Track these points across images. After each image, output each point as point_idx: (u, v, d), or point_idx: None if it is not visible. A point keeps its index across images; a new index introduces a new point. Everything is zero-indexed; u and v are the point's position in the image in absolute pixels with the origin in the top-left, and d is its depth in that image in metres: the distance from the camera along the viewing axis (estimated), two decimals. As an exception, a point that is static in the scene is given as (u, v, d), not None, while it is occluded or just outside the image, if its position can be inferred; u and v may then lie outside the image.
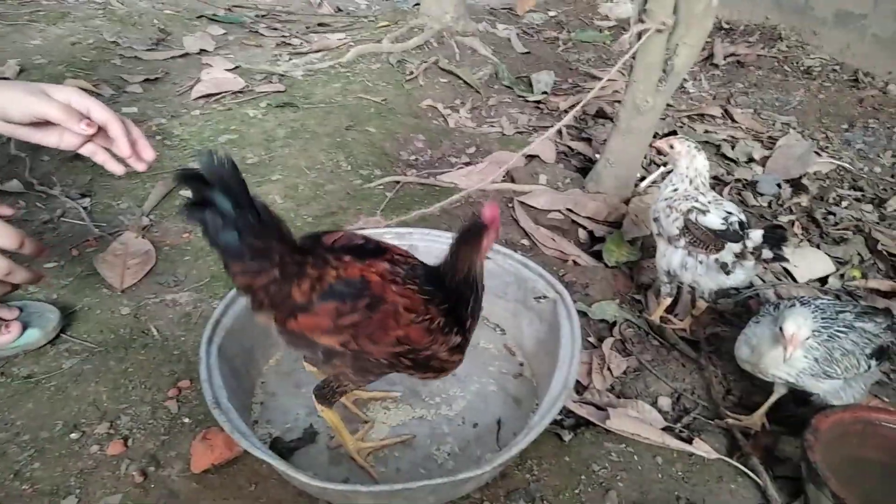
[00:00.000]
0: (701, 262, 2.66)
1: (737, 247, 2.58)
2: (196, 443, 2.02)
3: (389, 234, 2.68)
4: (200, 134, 3.80)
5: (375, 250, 1.83)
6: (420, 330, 1.77)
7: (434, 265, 1.90)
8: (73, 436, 2.08)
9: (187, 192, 1.56)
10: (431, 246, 2.67)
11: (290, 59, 5.03)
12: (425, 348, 1.80)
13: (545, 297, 2.39)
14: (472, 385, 2.41)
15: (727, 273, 2.63)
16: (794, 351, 2.12)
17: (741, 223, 2.59)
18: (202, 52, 5.02)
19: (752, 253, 2.56)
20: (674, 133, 2.79)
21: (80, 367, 2.31)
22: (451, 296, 1.83)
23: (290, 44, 5.42)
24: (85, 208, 3.09)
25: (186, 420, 2.16)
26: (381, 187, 3.49)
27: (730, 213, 2.59)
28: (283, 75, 4.66)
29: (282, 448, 2.08)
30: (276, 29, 5.92)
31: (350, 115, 4.17)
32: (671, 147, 2.72)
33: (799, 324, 2.12)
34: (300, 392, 2.32)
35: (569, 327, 2.26)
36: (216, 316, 2.17)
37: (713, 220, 2.58)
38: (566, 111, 4.85)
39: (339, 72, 4.85)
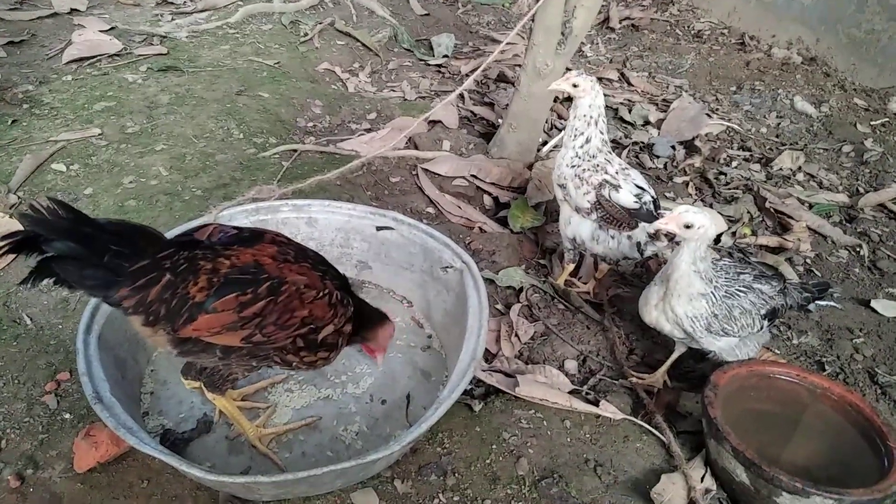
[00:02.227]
0: (613, 237, 2.67)
1: (651, 226, 2.59)
2: (79, 440, 1.86)
3: (287, 207, 2.56)
4: (73, 101, 3.49)
5: (253, 237, 1.77)
6: (323, 305, 1.76)
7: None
8: (-66, 442, 1.87)
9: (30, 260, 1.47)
10: (332, 218, 2.57)
11: (173, 20, 4.69)
12: (327, 323, 1.78)
13: (452, 267, 2.35)
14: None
15: (640, 252, 2.65)
16: (670, 225, 2.12)
17: (654, 201, 2.60)
18: (73, 11, 4.61)
19: (665, 234, 2.56)
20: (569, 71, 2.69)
21: (-60, 364, 2.08)
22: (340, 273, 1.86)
23: (172, 2, 5.05)
24: (-60, 186, 2.78)
25: (67, 416, 1.99)
26: (277, 156, 3.32)
27: (641, 188, 2.59)
28: (164, 37, 4.34)
29: (175, 440, 1.96)
30: (156, -13, 5.50)
31: (241, 80, 3.94)
32: (574, 86, 2.59)
33: (689, 209, 2.13)
34: (194, 379, 2.19)
35: (476, 297, 2.23)
36: (93, 304, 2.00)
37: (626, 198, 2.56)
38: (468, 75, 4.79)
39: (228, 33, 4.58)
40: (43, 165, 2.98)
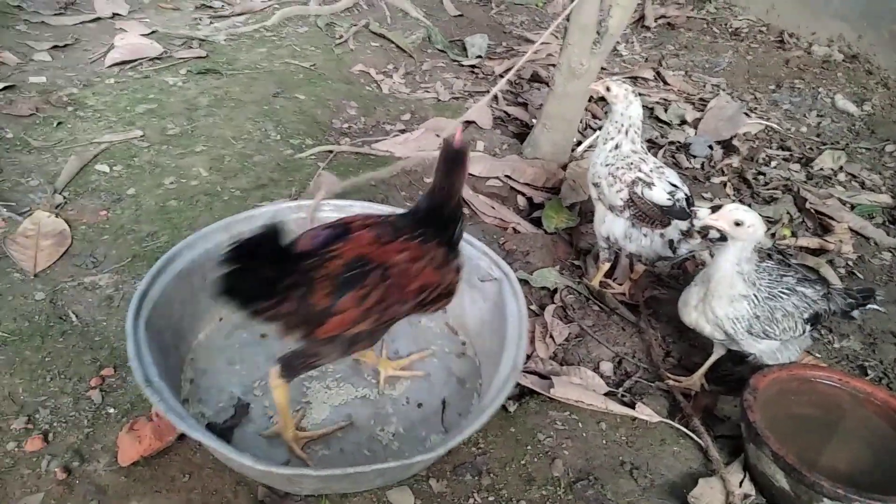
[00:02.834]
0: (645, 236, 2.65)
1: (684, 224, 2.57)
2: (123, 434, 1.90)
3: (329, 207, 2.58)
4: (116, 104, 3.58)
5: (345, 229, 1.84)
6: (431, 272, 1.85)
7: (406, 210, 1.97)
8: (-14, 434, 1.94)
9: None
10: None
11: (212, 23, 4.77)
12: (440, 283, 1.88)
13: (492, 277, 2.35)
14: (414, 365, 2.36)
15: (673, 250, 2.63)
16: (719, 222, 2.10)
17: (688, 199, 2.58)
18: (115, 16, 4.70)
19: (699, 232, 2.54)
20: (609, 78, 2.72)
21: (-8, 359, 2.15)
22: (441, 225, 1.91)
23: (210, 6, 5.14)
24: (-10, 187, 2.87)
25: (111, 410, 2.04)
26: (314, 157, 3.36)
27: (675, 186, 2.58)
28: (203, 40, 4.42)
29: (218, 430, 1.99)
30: (195, -9, 5.60)
31: (277, 82, 4.00)
32: (607, 89, 2.63)
33: (739, 206, 2.12)
34: (233, 369, 2.24)
35: (515, 307, 2.24)
36: (143, 288, 2.05)
37: (660, 195, 2.55)
38: (501, 75, 4.79)
39: (265, 36, 4.64)
40: (87, 166, 3.06)
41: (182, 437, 1.94)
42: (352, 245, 1.77)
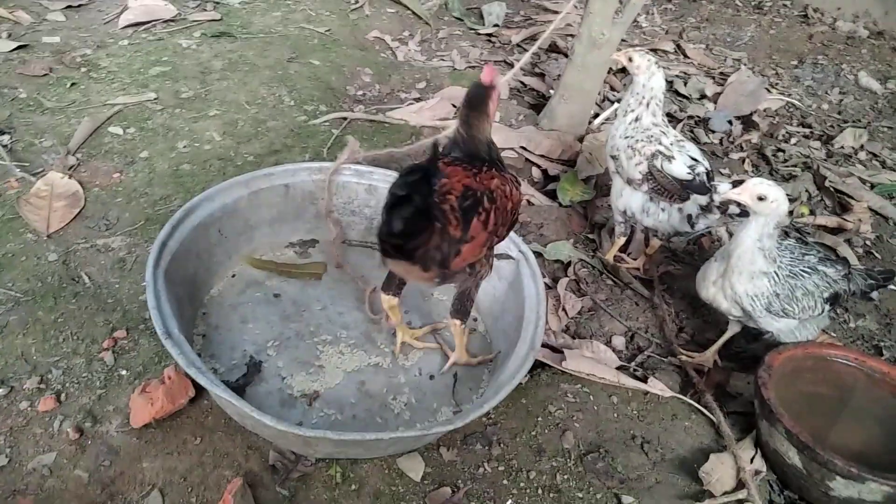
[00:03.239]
0: (663, 210, 2.62)
1: (703, 199, 2.54)
2: (135, 396, 1.90)
3: (349, 171, 2.59)
4: (130, 66, 3.54)
5: (434, 167, 1.82)
6: (517, 191, 2.01)
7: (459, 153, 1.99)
8: (0, 391, 1.94)
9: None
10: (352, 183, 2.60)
11: (226, -14, 4.70)
12: (521, 200, 2.04)
13: (510, 256, 2.33)
14: (427, 337, 2.35)
15: (691, 225, 2.60)
16: (743, 196, 2.08)
17: (708, 173, 2.54)
18: (129, -24, 4.64)
19: (718, 207, 2.51)
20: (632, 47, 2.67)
21: (6, 318, 2.15)
22: (488, 159, 1.98)
23: (225, -31, 5.07)
24: (4, 146, 2.85)
25: (124, 372, 2.04)
26: (328, 124, 3.32)
27: (695, 160, 2.53)
28: (218, 3, 4.36)
29: (231, 388, 1.98)
30: (209, -47, 5.52)
31: (292, 47, 3.94)
32: (630, 60, 2.58)
33: (763, 181, 2.10)
34: (246, 327, 2.24)
35: (534, 288, 2.24)
36: (162, 237, 2.06)
37: (679, 169, 2.51)
38: (519, 45, 4.71)
39: (280, 0, 4.57)
40: (100, 128, 3.04)
41: (193, 400, 1.95)
42: (455, 178, 1.83)
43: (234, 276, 2.43)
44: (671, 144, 2.56)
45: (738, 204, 2.15)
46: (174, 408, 1.90)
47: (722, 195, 2.30)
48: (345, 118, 3.39)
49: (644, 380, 2.29)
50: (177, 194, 2.72)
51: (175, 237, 2.11)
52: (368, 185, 2.60)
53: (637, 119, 2.59)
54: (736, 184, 2.37)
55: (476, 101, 1.95)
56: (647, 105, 2.57)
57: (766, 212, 2.06)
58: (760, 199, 2.05)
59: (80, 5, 4.13)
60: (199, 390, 1.96)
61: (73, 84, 3.30)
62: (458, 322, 2.10)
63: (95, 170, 2.82)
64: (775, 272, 2.16)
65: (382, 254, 1.77)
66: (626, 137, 2.61)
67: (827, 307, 2.25)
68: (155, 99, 3.29)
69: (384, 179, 2.59)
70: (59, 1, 4.11)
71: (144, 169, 2.84)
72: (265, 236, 2.54)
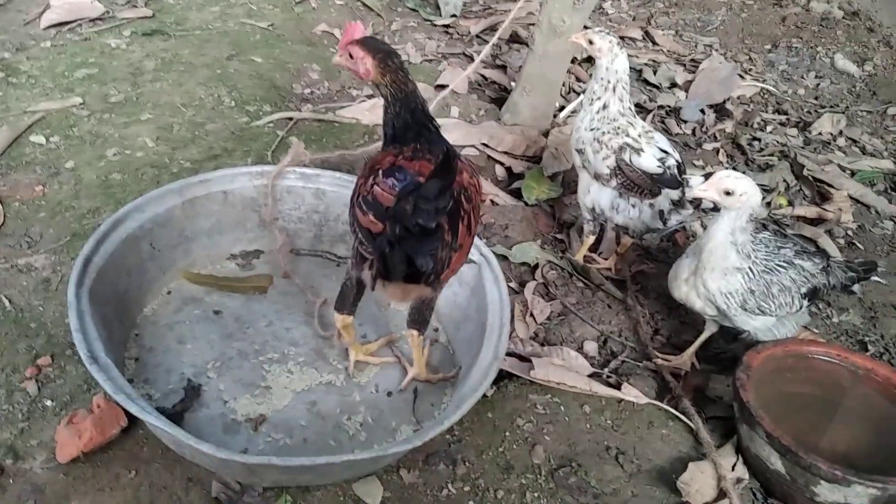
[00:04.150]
0: (634, 206, 2.63)
1: (675, 193, 2.56)
2: (61, 428, 1.85)
3: (294, 175, 2.58)
4: (53, 69, 3.47)
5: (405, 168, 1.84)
6: (481, 179, 2.03)
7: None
8: None
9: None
10: (341, 192, 2.58)
11: (159, -20, 4.65)
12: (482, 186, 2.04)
13: (471, 260, 2.33)
14: (383, 350, 2.34)
15: (663, 221, 2.62)
16: (709, 191, 2.10)
17: (679, 166, 2.56)
18: (51, -28, 4.57)
19: (690, 201, 2.53)
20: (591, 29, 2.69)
21: (-86, 349, 2.09)
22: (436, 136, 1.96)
23: (158, -38, 5.01)
24: (-89, 160, 2.78)
25: (49, 403, 1.99)
26: (272, 125, 3.29)
27: (666, 152, 2.56)
28: (150, -2, 4.31)
29: (167, 415, 1.93)
30: (140, -55, 5.46)
31: (232, 44, 3.90)
32: (590, 42, 2.58)
33: (730, 173, 2.12)
34: (183, 348, 2.21)
35: (497, 293, 2.24)
36: (86, 253, 2.02)
37: (649, 162, 2.53)
38: (478, 36, 4.73)
39: (218, -7, 4.54)
40: (20, 138, 2.97)
41: (126, 430, 1.90)
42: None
43: (169, 292, 2.39)
44: (639, 136, 2.58)
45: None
46: (105, 439, 1.85)
47: (689, 191, 2.33)
48: (290, 118, 3.36)
49: (618, 386, 2.29)
50: (106, 206, 2.66)
51: (101, 252, 2.06)
52: (316, 189, 2.59)
53: (604, 107, 2.60)
54: (707, 177, 2.40)
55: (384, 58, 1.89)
56: (614, 90, 2.58)
57: (736, 206, 2.09)
58: (728, 193, 2.07)
59: (-4, 5, 4.04)
60: (133, 419, 1.91)
61: (-11, 90, 3.23)
62: (415, 333, 2.09)
63: (15, 183, 2.75)
64: (749, 268, 2.18)
65: (383, 278, 1.75)
66: (592, 129, 2.62)
67: (805, 303, 2.28)
68: (81, 104, 3.22)
69: (333, 183, 2.58)
70: (-28, 1, 4.02)
71: (70, 180, 2.78)
72: (203, 248, 2.51)
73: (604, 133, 2.58)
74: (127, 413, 1.87)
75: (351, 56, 1.90)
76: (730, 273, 2.19)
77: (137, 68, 3.56)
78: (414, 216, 1.57)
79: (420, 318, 2.06)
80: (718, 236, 2.16)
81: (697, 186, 2.14)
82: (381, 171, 1.79)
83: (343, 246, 2.66)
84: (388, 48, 1.93)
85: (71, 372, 2.07)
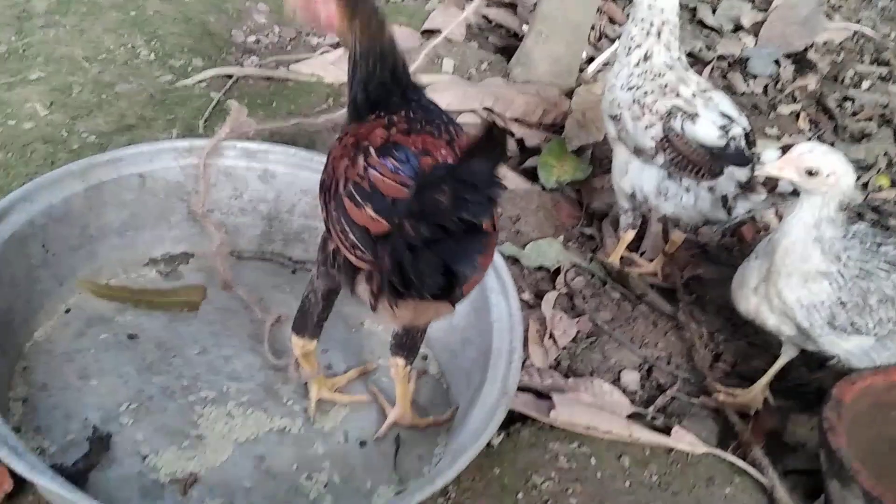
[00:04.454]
0: (687, 190, 2.65)
1: (742, 172, 2.57)
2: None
3: (234, 151, 2.60)
4: None
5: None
6: None
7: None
8: None
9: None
10: (297, 175, 2.61)
11: None
12: None
13: None
14: (353, 385, 2.35)
15: (727, 210, 2.63)
16: (785, 170, 2.11)
17: (747, 136, 2.57)
18: None
19: (762, 183, 2.54)
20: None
21: None
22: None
23: None
24: None
25: None
26: (205, 85, 3.32)
27: (729, 118, 2.57)
28: (41, -84, 4.32)
29: (67, 474, 1.93)
30: None
31: (151, -24, 3.93)
32: None
33: (813, 147, 2.12)
34: (87, 385, 2.20)
35: (505, 307, 2.24)
36: None
37: (707, 131, 2.54)
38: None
39: None
40: None
41: (12, 495, 1.90)
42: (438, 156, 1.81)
43: (68, 310, 2.40)
44: (694, 96, 2.59)
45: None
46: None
47: (760, 170, 2.33)
48: (230, 76, 3.39)
49: (667, 431, 2.30)
50: (-18, 196, 2.68)
51: None
52: (263, 171, 2.60)
53: (646, 57, 2.62)
54: (785, 150, 2.41)
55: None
56: (659, 35, 2.61)
57: (822, 189, 2.09)
58: (810, 173, 2.08)
59: None
60: (20, 482, 1.91)
61: None
62: (401, 362, 2.10)
63: None
64: (839, 272, 2.19)
65: (397, 295, 1.71)
66: (631, 88, 2.65)
67: (915, 317, 2.29)
68: (-52, 58, 3.24)
69: (286, 161, 2.59)
70: None
71: (-68, 161, 2.80)
72: (113, 251, 2.52)
73: (646, 93, 2.60)
74: (12, 473, 1.88)
75: None
76: (813, 279, 2.20)
77: (24, 10, 3.57)
78: (457, 209, 1.53)
79: (410, 342, 2.07)
80: (797, 231, 2.17)
81: (770, 163, 2.14)
82: (372, 150, 1.79)
83: (300, 247, 2.67)
84: None
85: (-62, 417, 2.08)
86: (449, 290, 1.60)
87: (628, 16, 2.69)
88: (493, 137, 1.51)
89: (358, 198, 1.72)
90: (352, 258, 1.76)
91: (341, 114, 3.08)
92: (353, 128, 1.92)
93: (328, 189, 1.84)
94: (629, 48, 2.65)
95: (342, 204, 1.75)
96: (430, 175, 1.62)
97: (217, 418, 2.18)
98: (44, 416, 2.11)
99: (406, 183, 1.70)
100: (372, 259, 1.69)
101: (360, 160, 1.77)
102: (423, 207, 1.54)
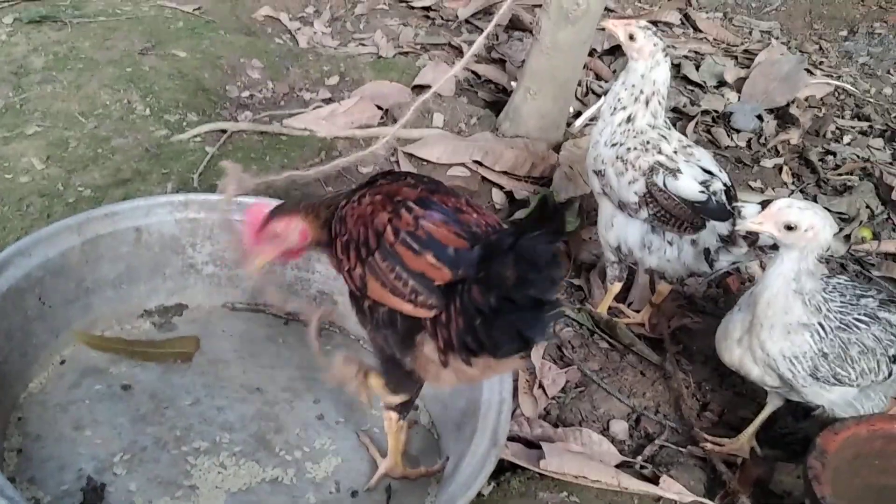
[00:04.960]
0: (671, 244, 2.69)
1: (724, 226, 2.62)
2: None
3: (227, 206, 2.56)
4: None
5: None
6: None
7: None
8: None
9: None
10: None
11: (51, -49, 4.74)
12: None
13: None
14: (345, 435, 2.36)
15: (709, 262, 2.67)
16: (765, 225, 2.15)
17: (728, 190, 2.62)
18: None
19: (744, 237, 2.58)
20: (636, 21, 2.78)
21: None
22: None
23: (49, -73, 5.11)
24: None
25: None
26: (199, 140, 3.35)
27: (710, 173, 2.62)
28: (39, -25, 4.39)
29: None
30: None
31: (146, 33, 3.97)
32: (630, 38, 2.66)
33: (792, 202, 2.16)
34: (81, 435, 2.22)
35: None
36: None
37: (689, 187, 2.58)
38: (468, 21, 4.83)
39: (128, -32, 4.63)
40: None
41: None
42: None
43: (63, 362, 2.41)
44: (675, 153, 2.64)
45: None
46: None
47: (741, 225, 2.37)
48: (224, 131, 3.42)
49: (655, 480, 2.32)
50: (-21, 248, 2.70)
51: None
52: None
53: (629, 119, 2.67)
54: (765, 205, 2.46)
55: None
56: (647, 103, 2.66)
57: (801, 243, 2.14)
58: (789, 227, 2.12)
59: None
60: (15, 532, 1.92)
61: None
62: (394, 416, 2.11)
63: None
64: (820, 324, 2.23)
65: (472, 353, 1.73)
66: (615, 145, 2.69)
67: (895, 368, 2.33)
68: (-53, 113, 3.28)
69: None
70: None
71: (-72, 216, 2.82)
72: (108, 303, 2.54)
73: (629, 149, 2.64)
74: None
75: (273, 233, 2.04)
76: (794, 331, 2.23)
77: (21, 66, 3.61)
78: (522, 287, 1.58)
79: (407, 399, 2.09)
80: (778, 283, 2.21)
81: (751, 219, 2.19)
82: (411, 203, 1.84)
83: (293, 298, 2.68)
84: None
85: (-68, 467, 2.08)
86: (523, 351, 1.68)
87: (615, 72, 2.75)
88: (548, 209, 1.58)
89: (416, 246, 1.75)
90: (408, 308, 1.77)
91: (332, 166, 3.10)
92: (370, 189, 1.95)
93: (363, 244, 1.85)
94: (614, 108, 2.70)
95: (396, 253, 1.78)
96: (495, 244, 1.67)
97: (210, 468, 2.19)
98: (38, 467, 2.12)
99: (461, 234, 1.76)
100: (435, 303, 1.73)
101: (405, 212, 1.81)
102: (490, 280, 1.61)
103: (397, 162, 3.48)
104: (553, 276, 1.59)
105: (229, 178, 2.42)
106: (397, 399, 2.08)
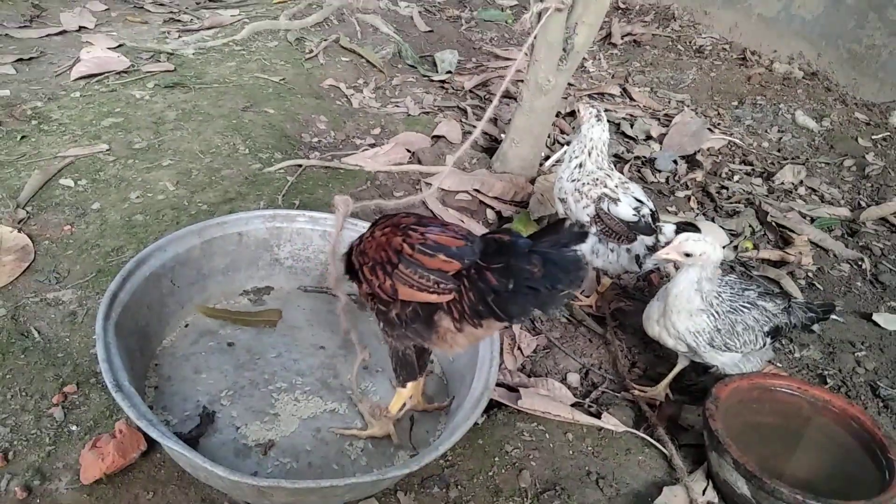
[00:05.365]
0: (612, 251, 2.70)
1: (650, 239, 2.63)
2: (85, 452, 1.88)
3: (303, 218, 2.65)
4: (81, 117, 3.54)
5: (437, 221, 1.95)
6: None
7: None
8: (-57, 453, 1.90)
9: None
10: (345, 234, 2.56)
11: (180, 37, 4.75)
12: None
13: None
14: (383, 380, 2.38)
15: (639, 264, 2.69)
16: (671, 254, 2.19)
17: (653, 214, 2.64)
18: (82, 29, 4.67)
19: (664, 246, 2.59)
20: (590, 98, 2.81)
21: (-50, 376, 2.11)
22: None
23: (179, 20, 5.13)
24: (-50, 201, 2.82)
25: (74, 428, 2.01)
26: (283, 171, 3.36)
27: (640, 201, 2.64)
28: (171, 54, 4.40)
29: (183, 439, 1.96)
30: (163, 4, 5.58)
31: (247, 96, 3.99)
32: (577, 111, 2.76)
33: (689, 237, 2.20)
34: (199, 377, 2.24)
35: None
36: (113, 289, 2.06)
37: (625, 211, 2.61)
38: (471, 91, 4.84)
39: (234, 50, 4.63)
40: (51, 181, 3.02)
41: (146, 453, 1.93)
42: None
43: (186, 325, 2.43)
44: (616, 187, 2.66)
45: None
46: (126, 462, 1.88)
47: (652, 259, 2.42)
48: (300, 165, 3.43)
49: (598, 416, 2.33)
50: (129, 245, 2.71)
51: (126, 288, 2.11)
52: (323, 231, 2.65)
53: (581, 165, 2.70)
54: (679, 225, 2.49)
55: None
56: (590, 153, 2.70)
57: (698, 263, 2.17)
58: (688, 255, 2.16)
59: (31, 58, 4.13)
60: (152, 443, 1.94)
61: (23, 137, 3.28)
62: (405, 391, 2.10)
63: (45, 222, 2.79)
64: (714, 309, 2.25)
65: (480, 317, 1.72)
66: (573, 181, 2.72)
67: (769, 340, 2.33)
68: (107, 150, 3.29)
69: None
70: (9, 54, 4.11)
71: (96, 220, 2.83)
72: (218, 285, 2.55)
73: (584, 184, 2.67)
74: (146, 437, 1.91)
75: None
76: (695, 314, 2.25)
77: (160, 118, 3.63)
78: (550, 281, 1.58)
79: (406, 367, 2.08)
80: (683, 284, 2.24)
81: (661, 251, 2.25)
82: (414, 226, 1.84)
83: (347, 284, 2.68)
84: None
85: (95, 399, 2.10)
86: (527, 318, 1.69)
87: (574, 128, 2.76)
88: (563, 227, 1.64)
89: (429, 251, 1.76)
90: (433, 297, 1.76)
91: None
92: (377, 227, 1.95)
93: (387, 262, 1.83)
94: (572, 157, 2.75)
95: (416, 260, 1.77)
96: (507, 245, 1.69)
97: (288, 402, 2.22)
98: (168, 399, 2.15)
99: (457, 237, 1.79)
100: (452, 287, 1.72)
101: (412, 232, 1.82)
102: (509, 270, 1.62)
103: (420, 190, 3.49)
104: (581, 276, 1.61)
105: (340, 205, 2.40)
106: (408, 390, 2.11)
